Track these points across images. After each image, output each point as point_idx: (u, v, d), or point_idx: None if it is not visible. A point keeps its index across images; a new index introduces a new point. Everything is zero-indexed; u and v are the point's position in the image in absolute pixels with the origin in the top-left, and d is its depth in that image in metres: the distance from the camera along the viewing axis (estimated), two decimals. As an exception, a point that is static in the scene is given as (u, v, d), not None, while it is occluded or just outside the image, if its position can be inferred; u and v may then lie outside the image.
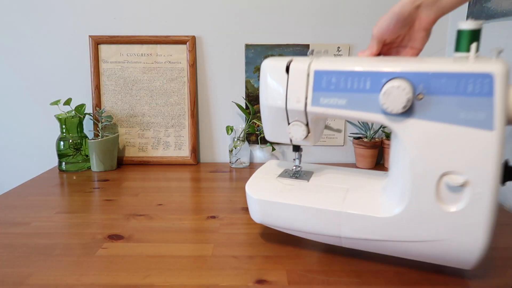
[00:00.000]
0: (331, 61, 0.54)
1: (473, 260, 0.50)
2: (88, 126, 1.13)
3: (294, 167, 0.67)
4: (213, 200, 0.85)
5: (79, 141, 1.06)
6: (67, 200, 0.84)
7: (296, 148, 0.65)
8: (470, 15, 0.97)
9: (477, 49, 0.48)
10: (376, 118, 0.51)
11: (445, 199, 0.49)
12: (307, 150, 1.16)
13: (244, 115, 1.14)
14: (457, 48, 0.51)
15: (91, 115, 1.11)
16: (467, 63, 0.46)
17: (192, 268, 0.56)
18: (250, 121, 1.11)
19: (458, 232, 0.49)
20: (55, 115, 1.04)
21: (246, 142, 1.11)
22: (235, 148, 1.10)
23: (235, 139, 1.10)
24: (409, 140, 0.49)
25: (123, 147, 1.14)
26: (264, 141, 1.15)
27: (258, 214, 0.61)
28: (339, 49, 1.10)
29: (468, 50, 0.49)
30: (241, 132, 1.10)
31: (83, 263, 0.58)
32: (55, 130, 1.11)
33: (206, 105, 1.16)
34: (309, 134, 0.58)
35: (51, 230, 0.69)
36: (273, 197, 0.58)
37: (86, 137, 1.09)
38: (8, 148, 1.18)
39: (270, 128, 0.61)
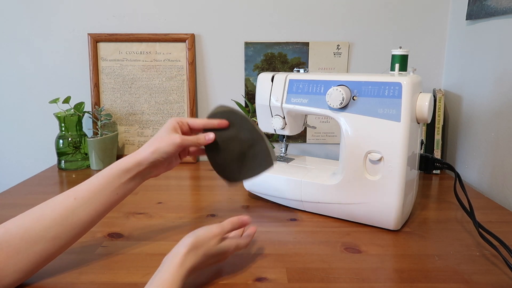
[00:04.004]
0: (301, 74, 0.78)
1: (394, 219, 0.66)
2: (87, 124, 1.13)
3: (281, 154, 0.89)
4: (213, 198, 0.85)
5: (78, 139, 1.06)
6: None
7: (281, 138, 0.88)
8: (470, 13, 0.97)
9: (404, 68, 0.69)
10: (326, 112, 0.72)
11: (369, 171, 0.68)
12: (309, 149, 1.16)
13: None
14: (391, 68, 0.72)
15: (90, 113, 1.11)
16: (387, 76, 0.67)
17: (192, 266, 0.56)
18: (249, 119, 1.11)
19: (379, 196, 0.67)
20: (54, 113, 1.04)
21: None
22: (235, 146, 1.09)
23: (235, 137, 1.10)
24: (345, 127, 0.69)
25: (123, 145, 1.14)
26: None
27: (248, 183, 0.83)
28: (339, 47, 1.10)
29: (394, 69, 0.70)
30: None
31: (83, 261, 0.58)
32: (54, 129, 1.10)
33: (206, 103, 1.15)
34: (286, 125, 0.80)
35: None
36: None
37: (85, 135, 1.08)
38: (8, 146, 1.18)
39: (261, 121, 0.84)
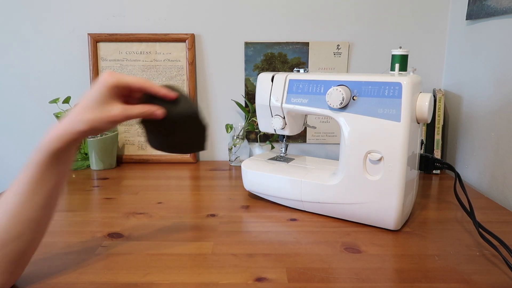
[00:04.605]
0: (301, 74, 0.77)
1: (394, 219, 0.66)
2: (87, 124, 1.13)
3: (281, 154, 0.88)
4: (213, 198, 0.85)
5: (78, 139, 1.06)
6: (67, 199, 0.84)
7: (281, 138, 0.88)
8: (470, 13, 0.97)
9: (404, 68, 0.69)
10: (326, 112, 0.72)
11: (369, 170, 0.67)
12: (309, 149, 1.16)
13: (243, 113, 1.14)
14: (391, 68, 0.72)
15: (90, 113, 1.11)
16: (387, 76, 0.66)
17: (191, 266, 0.56)
18: (249, 119, 1.11)
19: (379, 196, 0.67)
20: (54, 113, 1.04)
21: (245, 140, 1.11)
22: (235, 146, 1.09)
23: (235, 137, 1.10)
24: (345, 127, 0.69)
25: (123, 145, 1.14)
26: (263, 139, 1.15)
27: (247, 183, 0.83)
28: (339, 47, 1.10)
29: (394, 69, 0.70)
30: (241, 130, 1.10)
31: (83, 261, 0.58)
32: (54, 129, 1.10)
33: (205, 103, 1.15)
34: (286, 125, 0.80)
35: (50, 228, 0.68)
36: (257, 170, 0.80)
37: (85, 135, 1.08)
38: (8, 146, 1.18)
39: (261, 121, 0.84)
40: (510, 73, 0.83)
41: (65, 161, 0.50)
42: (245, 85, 1.13)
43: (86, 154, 1.07)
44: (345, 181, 0.70)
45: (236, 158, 1.10)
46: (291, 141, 1.16)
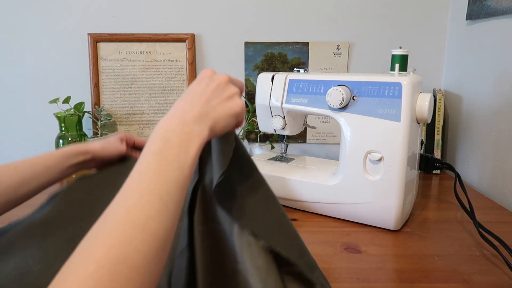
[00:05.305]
0: (301, 74, 0.78)
1: (394, 219, 0.66)
2: (87, 125, 1.13)
3: (281, 154, 0.89)
4: (213, 198, 0.85)
5: (78, 139, 1.06)
6: (67, 199, 0.84)
7: (281, 138, 0.88)
8: (470, 13, 0.97)
9: (404, 68, 0.70)
10: (326, 112, 0.72)
11: (369, 170, 0.68)
12: (309, 149, 1.16)
13: (243, 113, 1.14)
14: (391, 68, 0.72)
15: (90, 113, 1.11)
16: (387, 76, 0.67)
17: (191, 266, 0.56)
18: (249, 119, 1.11)
19: (379, 196, 0.67)
20: (54, 113, 1.04)
21: (245, 140, 1.11)
22: (235, 146, 1.09)
23: (235, 137, 1.10)
24: (345, 127, 0.69)
25: (123, 145, 1.14)
26: (263, 139, 1.15)
27: None
28: (339, 47, 1.10)
29: (394, 69, 0.70)
30: (241, 130, 1.10)
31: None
32: (54, 129, 1.10)
33: (206, 103, 1.15)
34: (286, 125, 0.79)
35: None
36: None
37: (85, 135, 1.08)
38: (8, 146, 1.18)
39: (261, 121, 0.84)
40: (510, 73, 0.83)
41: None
42: (245, 85, 1.13)
43: (86, 154, 1.07)
44: (345, 181, 0.70)
45: (236, 158, 1.10)
46: (291, 141, 1.16)
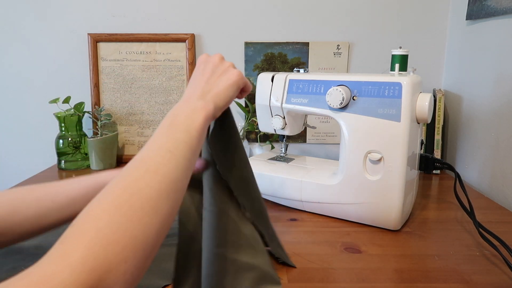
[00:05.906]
0: (301, 74, 0.78)
1: (394, 219, 0.66)
2: (87, 125, 1.13)
3: (281, 154, 0.89)
4: (213, 198, 0.85)
5: (78, 139, 1.06)
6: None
7: (281, 138, 0.88)
8: (470, 13, 0.97)
9: (404, 68, 0.69)
10: (326, 112, 0.72)
11: (369, 171, 0.68)
12: (309, 149, 1.16)
13: (243, 113, 1.14)
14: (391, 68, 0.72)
15: (90, 113, 1.11)
16: (387, 76, 0.66)
17: (192, 266, 0.56)
18: (249, 119, 1.11)
19: (379, 196, 0.67)
20: (54, 113, 1.04)
21: (245, 140, 1.11)
22: (235, 146, 1.09)
23: (235, 137, 1.10)
24: (345, 127, 0.69)
25: (123, 145, 1.14)
26: (263, 139, 1.15)
27: None
28: (339, 47, 1.10)
29: (394, 69, 0.70)
30: (241, 130, 1.10)
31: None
32: (54, 129, 1.10)
33: (206, 103, 1.15)
34: (286, 125, 0.80)
35: (50, 229, 0.69)
36: (257, 170, 0.79)
37: (85, 135, 1.08)
38: (8, 146, 1.18)
39: (261, 121, 0.84)
40: (510, 73, 0.83)
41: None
42: (245, 85, 1.13)
43: (86, 154, 1.07)
44: (345, 181, 0.70)
45: (236, 158, 1.10)
46: (291, 141, 1.16)
